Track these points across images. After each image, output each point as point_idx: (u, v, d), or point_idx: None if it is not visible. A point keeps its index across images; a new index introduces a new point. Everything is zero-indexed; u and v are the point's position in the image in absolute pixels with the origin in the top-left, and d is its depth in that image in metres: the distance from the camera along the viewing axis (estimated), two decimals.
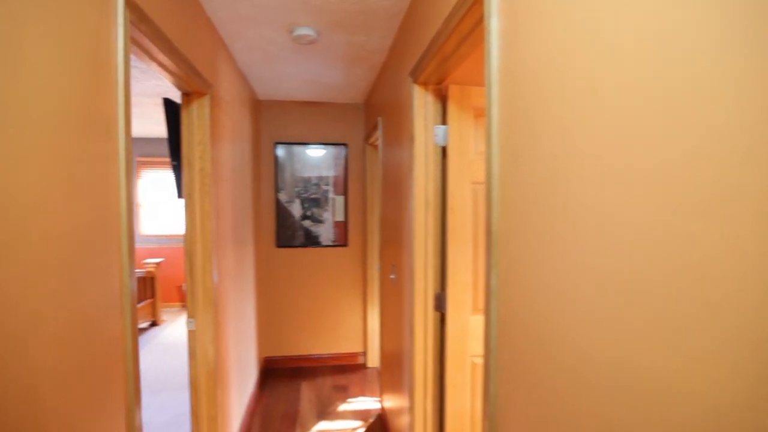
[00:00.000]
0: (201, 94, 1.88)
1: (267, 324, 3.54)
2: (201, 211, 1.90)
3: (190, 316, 1.91)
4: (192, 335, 1.91)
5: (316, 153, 3.55)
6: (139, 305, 4.49)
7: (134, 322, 1.13)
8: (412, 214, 1.74)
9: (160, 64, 1.43)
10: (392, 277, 2.17)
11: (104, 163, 1.00)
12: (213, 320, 1.93)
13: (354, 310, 3.65)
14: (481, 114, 1.67)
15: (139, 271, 4.53)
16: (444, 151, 1.70)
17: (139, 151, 5.63)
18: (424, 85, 1.69)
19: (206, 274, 1.91)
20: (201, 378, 1.92)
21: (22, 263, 0.71)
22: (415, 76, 1.66)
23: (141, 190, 5.64)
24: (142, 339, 4.35)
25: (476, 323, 1.68)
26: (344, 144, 3.60)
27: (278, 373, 3.48)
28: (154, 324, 4.87)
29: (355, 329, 3.66)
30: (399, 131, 2.08)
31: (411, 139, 1.74)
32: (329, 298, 3.60)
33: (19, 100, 0.71)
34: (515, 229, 0.86)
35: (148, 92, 3.28)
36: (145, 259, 5.67)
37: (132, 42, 1.20)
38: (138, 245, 5.67)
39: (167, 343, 4.21)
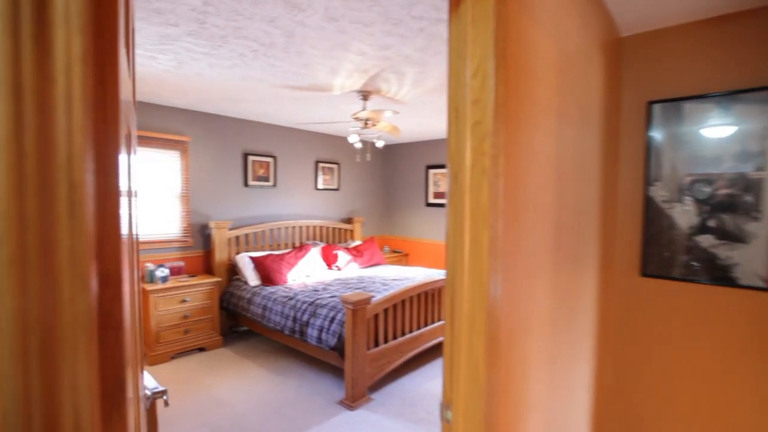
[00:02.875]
0: None
1: (615, 405, 2.21)
2: (473, 206, 0.99)
3: (446, 399, 1.05)
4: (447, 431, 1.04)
5: (729, 109, 1.89)
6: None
7: None
8: None
9: None
10: None
11: None
12: (482, 417, 0.99)
13: None
14: None
15: None
16: None
17: None
18: None
19: (476, 332, 0.98)
20: None
21: None
22: None
23: None
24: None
25: None
26: None
27: None
28: None
29: None
30: None
31: None
32: (753, 392, 1.86)
33: None
34: None
35: None
36: None
37: None
38: None
39: None
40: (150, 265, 3.71)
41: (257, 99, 3.76)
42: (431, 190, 6.03)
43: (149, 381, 1.55)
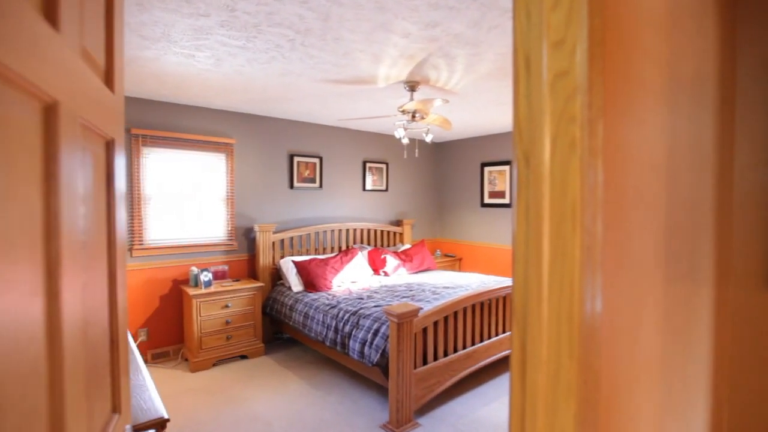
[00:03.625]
0: None
1: None
2: (557, 198, 0.65)
3: None
4: None
5: None
6: None
7: None
8: None
9: None
10: None
11: None
12: None
13: None
14: None
15: None
16: None
17: None
18: None
19: (561, 390, 0.64)
20: None
21: None
22: None
23: None
24: None
25: None
26: None
27: None
28: None
29: None
30: None
31: None
32: None
33: None
34: None
35: None
36: None
37: None
38: None
39: None
40: (194, 269, 3.65)
41: (299, 97, 3.59)
42: (487, 189, 5.59)
43: (156, 406, 1.35)
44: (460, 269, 5.93)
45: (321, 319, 3.33)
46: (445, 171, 6.21)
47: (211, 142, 3.94)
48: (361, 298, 3.47)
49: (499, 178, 5.43)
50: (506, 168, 5.34)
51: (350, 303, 3.34)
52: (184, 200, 3.80)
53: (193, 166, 3.86)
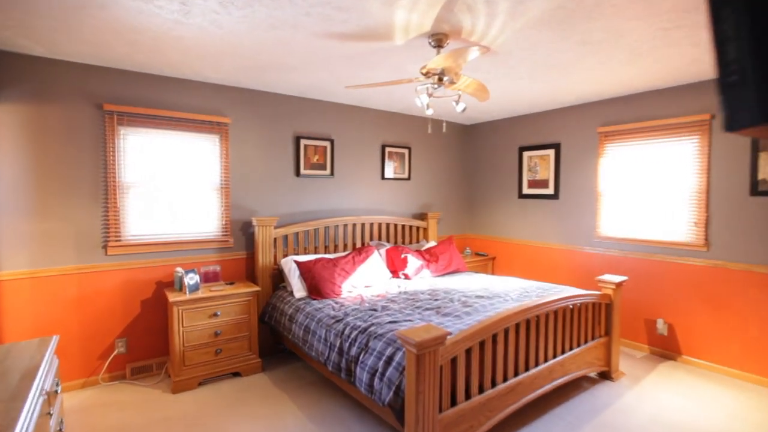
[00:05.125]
0: None
1: None
2: None
3: None
4: None
5: None
6: (588, 344, 2.90)
7: None
8: None
9: None
10: None
11: None
12: None
13: None
14: None
15: (592, 294, 2.92)
16: None
17: (603, 119, 4.01)
18: None
19: None
20: None
21: None
22: None
23: (604, 172, 4.03)
24: (578, 402, 2.70)
25: None
26: None
27: None
28: (605, 376, 3.15)
29: None
30: None
31: None
32: None
33: None
34: None
35: None
36: (601, 275, 4.05)
37: None
38: (590, 249, 4.11)
39: (631, 425, 2.37)
40: (179, 270, 3.09)
41: (301, 62, 2.94)
42: (526, 177, 4.80)
43: None
44: (493, 271, 5.18)
45: (323, 336, 2.69)
46: (476, 157, 5.45)
47: (201, 121, 3.36)
48: (375, 309, 2.82)
49: (541, 165, 4.63)
50: (550, 152, 4.53)
51: (360, 316, 2.69)
52: (170, 189, 3.24)
53: (181, 150, 3.29)
